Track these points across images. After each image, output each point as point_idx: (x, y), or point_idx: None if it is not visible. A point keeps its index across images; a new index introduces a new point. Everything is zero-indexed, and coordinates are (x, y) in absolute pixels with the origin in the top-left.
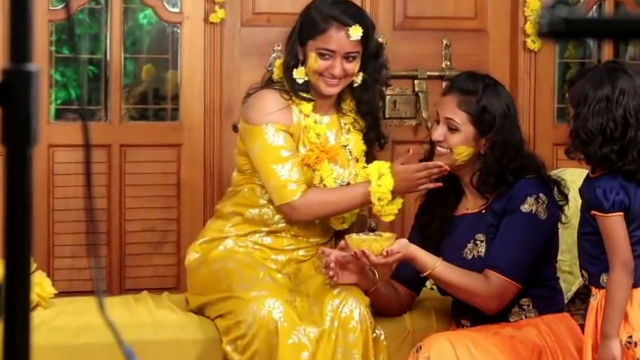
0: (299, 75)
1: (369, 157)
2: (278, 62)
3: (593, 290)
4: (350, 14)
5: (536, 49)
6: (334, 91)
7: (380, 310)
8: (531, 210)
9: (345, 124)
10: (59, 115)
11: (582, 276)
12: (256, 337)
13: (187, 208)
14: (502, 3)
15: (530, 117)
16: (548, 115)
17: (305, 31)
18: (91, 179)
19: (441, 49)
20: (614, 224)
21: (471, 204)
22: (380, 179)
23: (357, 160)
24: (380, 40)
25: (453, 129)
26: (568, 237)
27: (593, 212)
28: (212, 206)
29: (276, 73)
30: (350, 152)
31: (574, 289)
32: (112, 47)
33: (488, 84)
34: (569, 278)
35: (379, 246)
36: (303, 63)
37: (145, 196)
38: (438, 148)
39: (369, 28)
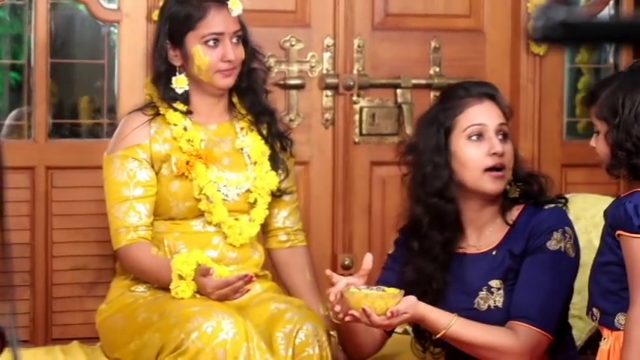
0: (179, 84)
1: (277, 164)
2: (147, 81)
3: (605, 332)
4: None
5: (541, 53)
6: (231, 81)
7: (348, 350)
8: (559, 247)
9: (242, 128)
10: None
11: (592, 315)
12: (202, 353)
13: None
14: None
15: (534, 132)
16: (556, 130)
17: (178, 28)
18: (3, 208)
19: (429, 52)
20: None
21: (474, 242)
22: (185, 266)
23: (256, 164)
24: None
25: (505, 136)
26: (579, 274)
27: (618, 232)
28: None
29: (147, 91)
30: (248, 156)
31: (585, 337)
32: (37, 50)
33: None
34: (580, 324)
35: (384, 304)
36: (182, 69)
37: (75, 228)
38: (495, 173)
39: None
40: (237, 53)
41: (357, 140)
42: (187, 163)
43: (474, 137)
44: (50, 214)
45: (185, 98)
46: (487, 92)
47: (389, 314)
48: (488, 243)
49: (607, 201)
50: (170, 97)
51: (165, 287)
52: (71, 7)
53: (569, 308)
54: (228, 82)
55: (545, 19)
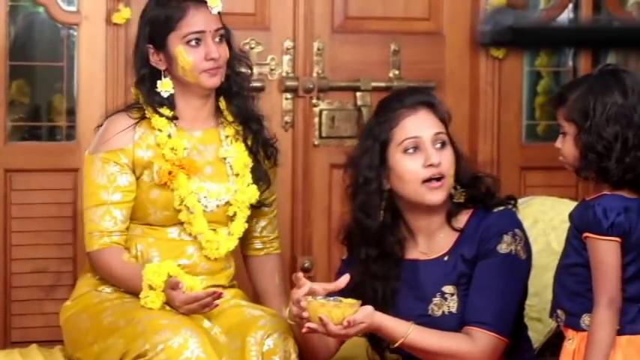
0: (164, 88)
1: (259, 175)
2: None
3: (570, 333)
4: None
5: (500, 56)
6: (218, 80)
7: (305, 352)
8: (510, 250)
9: (227, 136)
10: None
11: (556, 317)
12: None
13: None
14: (460, 1)
15: (493, 135)
16: (515, 133)
17: (159, 31)
18: None
19: (389, 55)
20: (609, 250)
21: (425, 248)
22: (156, 277)
23: (238, 175)
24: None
25: (443, 144)
26: (534, 278)
27: (586, 234)
28: None
29: (134, 94)
30: (230, 166)
31: (543, 339)
32: None
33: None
34: (538, 326)
35: (340, 313)
36: (166, 73)
37: (34, 230)
38: (434, 183)
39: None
40: (220, 51)
41: (316, 143)
42: (170, 173)
43: (410, 150)
44: (9, 216)
45: (171, 102)
46: (422, 100)
47: (345, 323)
48: (440, 249)
49: (565, 203)
50: (155, 101)
51: (133, 294)
52: (30, 10)
53: (524, 309)
54: (215, 81)
55: (493, 23)
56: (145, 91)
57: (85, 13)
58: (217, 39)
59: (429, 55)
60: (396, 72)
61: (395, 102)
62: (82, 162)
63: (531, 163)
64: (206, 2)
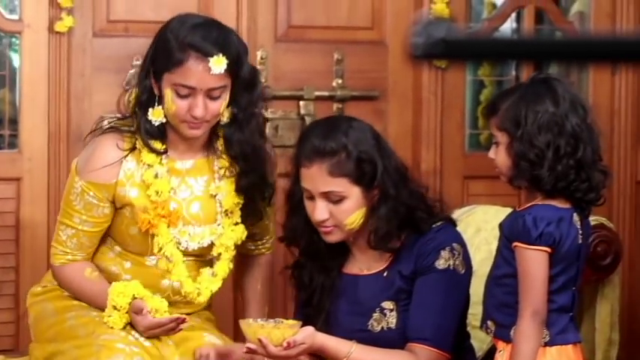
0: (155, 116)
1: (250, 212)
2: (133, 96)
3: (500, 344)
4: (212, 41)
5: (443, 66)
6: (199, 133)
7: None
8: (448, 265)
9: (220, 168)
10: None
11: (486, 328)
12: None
13: (28, 254)
14: (403, 11)
15: (436, 144)
16: (458, 142)
17: (160, 61)
18: None
19: (332, 64)
20: (536, 261)
21: (363, 264)
22: (121, 298)
23: (227, 214)
24: (256, 66)
25: (336, 201)
26: (478, 287)
27: (515, 244)
28: None
29: (131, 107)
30: (220, 204)
31: (486, 347)
32: None
33: (345, 128)
34: (481, 335)
35: (280, 334)
36: (160, 101)
37: None
38: (323, 229)
39: (238, 55)
40: (210, 108)
41: None
42: (150, 223)
43: (307, 195)
44: None
45: (162, 132)
46: (319, 152)
47: (285, 345)
48: (379, 265)
49: (508, 212)
50: (147, 131)
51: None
52: None
53: (466, 318)
54: (195, 133)
55: (425, 35)
56: (139, 116)
57: (28, 21)
58: (213, 95)
59: (372, 64)
60: (340, 81)
61: (300, 145)
62: (24, 171)
63: (474, 172)
64: (209, 60)
